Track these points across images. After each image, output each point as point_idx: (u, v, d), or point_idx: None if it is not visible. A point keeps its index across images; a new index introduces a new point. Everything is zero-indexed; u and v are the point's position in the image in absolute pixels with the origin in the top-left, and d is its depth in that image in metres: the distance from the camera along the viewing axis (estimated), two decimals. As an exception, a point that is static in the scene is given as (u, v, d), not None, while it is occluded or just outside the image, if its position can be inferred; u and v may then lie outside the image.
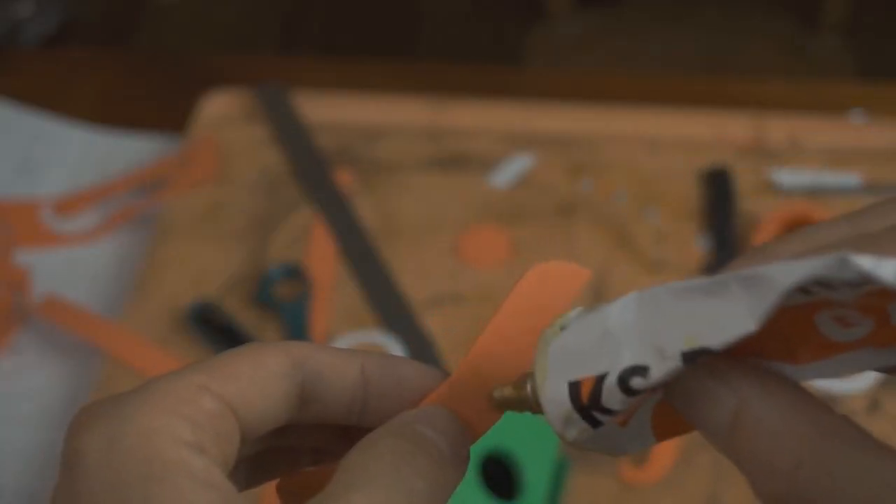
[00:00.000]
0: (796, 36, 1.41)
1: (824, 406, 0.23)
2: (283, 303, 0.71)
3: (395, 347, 0.69)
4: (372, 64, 0.90)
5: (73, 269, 0.76)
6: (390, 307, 0.71)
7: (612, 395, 0.24)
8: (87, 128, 0.84)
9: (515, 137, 0.80)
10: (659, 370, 0.23)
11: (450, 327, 0.70)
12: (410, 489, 0.25)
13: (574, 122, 0.80)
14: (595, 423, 0.25)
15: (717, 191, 0.75)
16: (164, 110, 0.85)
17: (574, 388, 0.25)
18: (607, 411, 0.25)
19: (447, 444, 0.27)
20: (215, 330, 0.70)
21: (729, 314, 0.22)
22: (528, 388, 0.27)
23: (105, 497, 0.24)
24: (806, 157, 0.77)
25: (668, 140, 0.79)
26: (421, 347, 0.69)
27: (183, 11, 2.02)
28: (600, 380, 0.25)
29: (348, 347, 0.29)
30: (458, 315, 0.71)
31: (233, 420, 0.26)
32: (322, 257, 0.74)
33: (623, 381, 0.24)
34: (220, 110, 0.82)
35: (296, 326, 0.70)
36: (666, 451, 0.63)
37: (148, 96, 0.88)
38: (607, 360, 0.24)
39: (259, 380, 0.27)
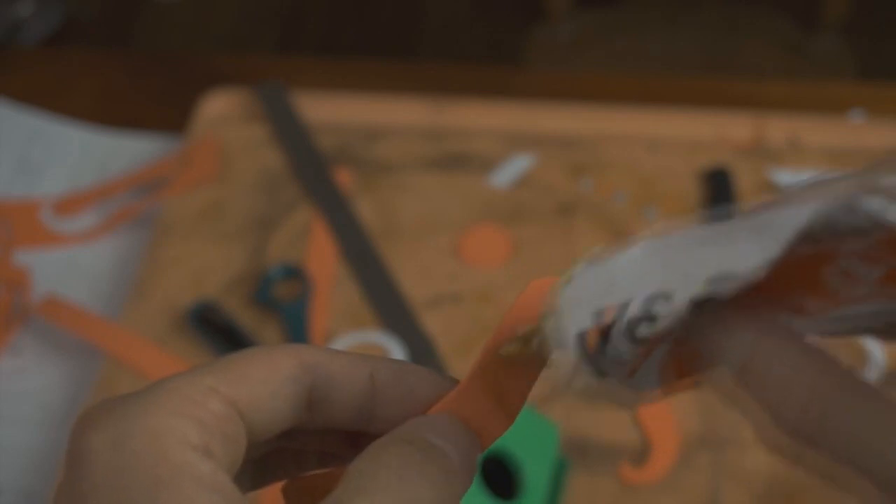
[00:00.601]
0: (796, 36, 1.41)
1: (831, 357, 0.23)
2: (283, 303, 0.71)
3: (395, 347, 0.69)
4: (372, 64, 0.90)
5: (73, 269, 0.76)
6: (390, 307, 0.71)
7: (619, 343, 0.24)
8: (87, 128, 0.84)
9: (515, 137, 0.80)
10: (667, 316, 0.23)
11: (450, 327, 0.70)
12: (418, 497, 0.25)
13: (574, 122, 0.80)
14: (602, 372, 0.25)
15: (717, 191, 0.75)
16: (164, 110, 0.85)
17: (582, 336, 0.25)
18: (615, 359, 0.25)
19: (455, 452, 0.27)
20: (215, 330, 0.70)
21: (738, 258, 0.22)
22: (535, 342, 0.27)
23: (109, 498, 0.24)
24: (806, 157, 0.77)
25: (668, 140, 0.79)
26: (421, 347, 0.69)
27: (183, 11, 2.02)
28: (608, 327, 0.25)
29: (359, 352, 0.29)
30: (458, 315, 0.71)
31: (240, 423, 0.26)
32: (322, 257, 0.74)
33: (631, 328, 0.24)
34: (220, 110, 0.82)
35: (296, 326, 0.70)
36: (666, 451, 0.63)
37: (148, 96, 0.88)
38: (615, 307, 0.24)
39: (268, 383, 0.27)
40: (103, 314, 0.73)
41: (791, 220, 0.21)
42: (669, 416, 0.65)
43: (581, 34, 1.42)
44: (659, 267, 0.24)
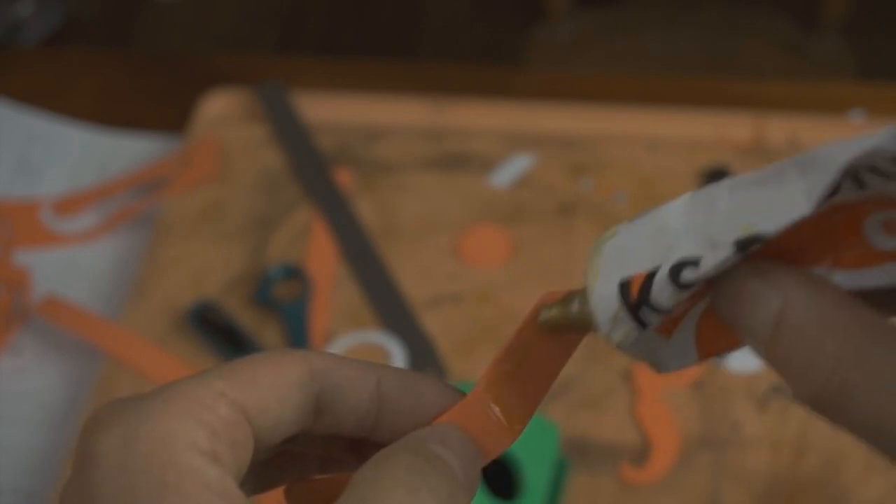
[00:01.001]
0: (796, 36, 1.41)
1: (868, 307, 0.23)
2: (283, 303, 0.71)
3: (395, 347, 0.69)
4: (372, 64, 0.90)
5: (73, 269, 0.76)
6: (390, 307, 0.71)
7: (662, 290, 0.24)
8: (87, 128, 0.84)
9: (515, 137, 0.80)
10: (710, 260, 0.23)
11: (450, 327, 0.70)
12: None
13: (574, 122, 0.80)
14: (642, 324, 0.25)
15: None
16: (164, 110, 0.85)
17: (625, 286, 0.25)
18: (655, 308, 0.25)
19: (460, 464, 0.27)
20: (215, 330, 0.70)
21: (784, 199, 0.22)
22: (575, 303, 0.27)
23: (116, 500, 0.24)
24: (806, 157, 0.77)
25: (668, 140, 0.79)
26: (421, 347, 0.69)
27: (183, 11, 2.02)
28: (651, 275, 0.24)
29: (366, 360, 0.29)
30: (458, 315, 0.71)
31: (248, 428, 0.26)
32: (322, 257, 0.74)
33: (674, 273, 0.24)
34: (220, 110, 0.82)
35: (296, 326, 0.70)
36: (666, 451, 0.63)
37: (148, 96, 0.88)
38: (659, 256, 0.24)
39: (277, 389, 0.27)
40: (103, 314, 0.73)
41: (839, 154, 0.21)
42: (669, 416, 0.65)
43: (581, 34, 1.42)
44: (705, 207, 0.24)
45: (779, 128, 0.79)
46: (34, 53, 1.15)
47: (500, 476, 0.58)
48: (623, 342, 0.25)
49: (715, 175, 0.76)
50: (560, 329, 0.28)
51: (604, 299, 0.25)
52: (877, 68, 1.57)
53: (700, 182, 0.76)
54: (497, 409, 0.29)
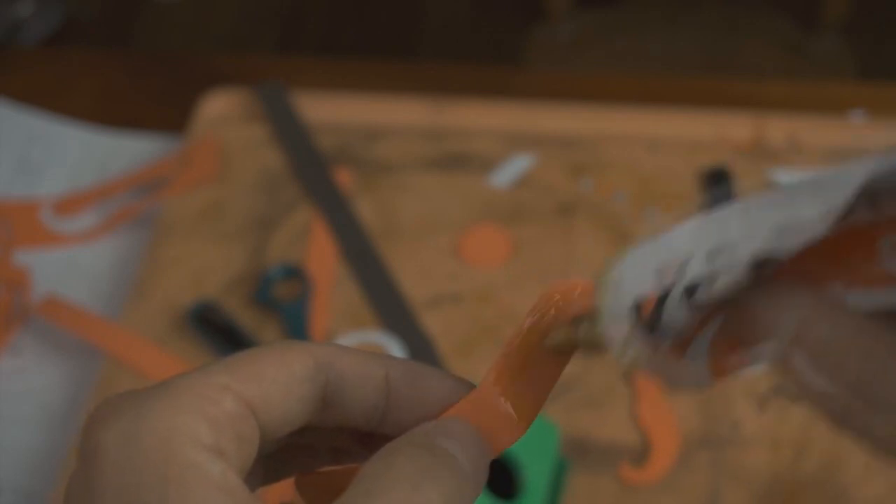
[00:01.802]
0: (796, 36, 1.41)
1: (881, 327, 0.24)
2: (283, 303, 0.71)
3: (395, 347, 0.69)
4: (372, 64, 0.90)
5: (73, 269, 0.76)
6: (390, 307, 0.71)
7: (674, 309, 0.24)
8: (87, 128, 0.84)
9: (515, 137, 0.80)
10: (724, 279, 0.24)
11: (450, 327, 0.70)
12: (427, 502, 0.25)
13: (574, 122, 0.80)
14: (654, 343, 0.25)
15: (717, 191, 0.75)
16: (164, 110, 0.85)
17: (636, 307, 0.25)
18: (668, 329, 0.25)
19: (467, 458, 0.27)
20: (215, 330, 0.70)
21: (797, 220, 0.22)
22: (583, 326, 0.27)
23: (119, 496, 0.24)
24: (806, 157, 0.77)
25: (668, 140, 0.79)
26: (421, 347, 0.69)
27: (183, 11, 2.02)
28: (664, 295, 0.25)
29: (373, 351, 0.29)
30: (458, 315, 0.71)
31: (253, 422, 0.26)
32: (322, 257, 0.74)
33: (688, 293, 0.24)
34: (220, 110, 0.82)
35: (296, 326, 0.70)
36: (666, 451, 0.63)
37: (148, 96, 0.88)
38: (672, 276, 0.24)
39: (282, 382, 0.27)
40: (103, 314, 0.73)
41: (853, 175, 0.21)
42: (669, 416, 0.65)
43: (581, 34, 1.42)
44: (718, 228, 0.24)
45: (779, 128, 0.79)
46: (34, 53, 1.15)
47: (501, 476, 0.58)
48: (634, 363, 0.26)
49: (715, 175, 0.76)
50: (568, 351, 0.28)
51: (616, 319, 0.25)
52: (877, 68, 1.57)
53: (700, 182, 0.76)
54: (506, 403, 0.29)
